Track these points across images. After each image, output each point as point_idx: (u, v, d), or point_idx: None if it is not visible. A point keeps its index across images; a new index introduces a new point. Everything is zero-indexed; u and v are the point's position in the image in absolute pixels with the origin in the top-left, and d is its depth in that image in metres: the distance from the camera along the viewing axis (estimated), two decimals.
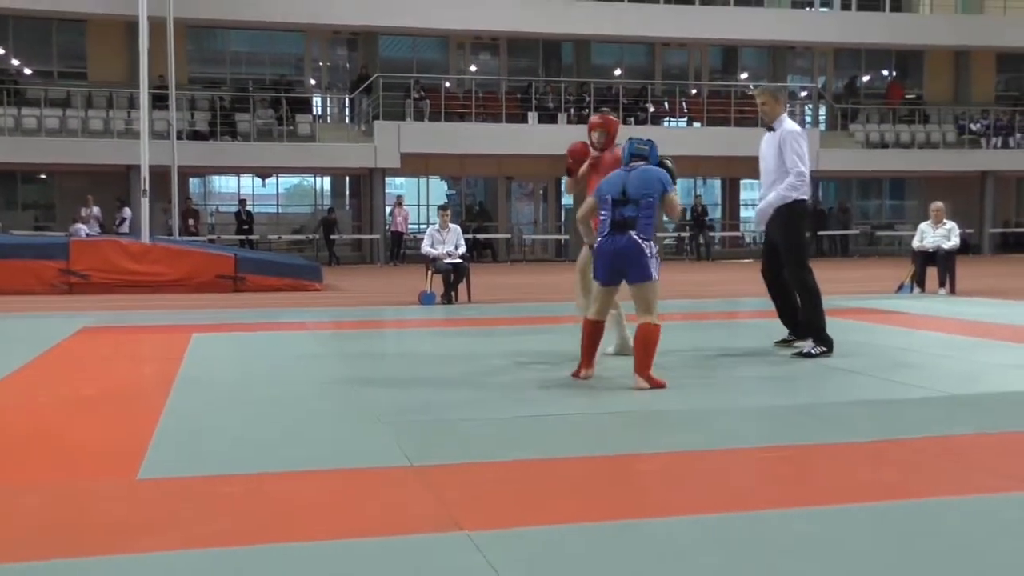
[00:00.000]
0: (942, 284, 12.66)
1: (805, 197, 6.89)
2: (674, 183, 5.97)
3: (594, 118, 6.86)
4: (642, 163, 5.89)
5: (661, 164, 5.95)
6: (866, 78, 30.54)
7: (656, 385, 5.55)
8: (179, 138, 20.25)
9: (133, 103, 21.96)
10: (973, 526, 3.07)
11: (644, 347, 5.61)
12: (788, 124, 6.87)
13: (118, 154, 21.74)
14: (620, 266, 5.72)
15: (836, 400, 5.16)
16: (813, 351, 6.71)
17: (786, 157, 6.73)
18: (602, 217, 5.88)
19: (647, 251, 5.68)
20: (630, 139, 6.12)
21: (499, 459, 3.94)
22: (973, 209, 27.59)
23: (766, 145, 6.92)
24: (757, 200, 7.06)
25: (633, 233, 5.66)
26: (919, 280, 12.86)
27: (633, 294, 5.75)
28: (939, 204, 13.33)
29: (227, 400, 5.32)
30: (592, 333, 5.89)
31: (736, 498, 3.40)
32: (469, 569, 2.68)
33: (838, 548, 2.85)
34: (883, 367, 6.27)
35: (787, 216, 6.85)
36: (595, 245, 6.01)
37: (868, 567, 2.68)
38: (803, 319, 6.94)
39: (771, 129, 6.91)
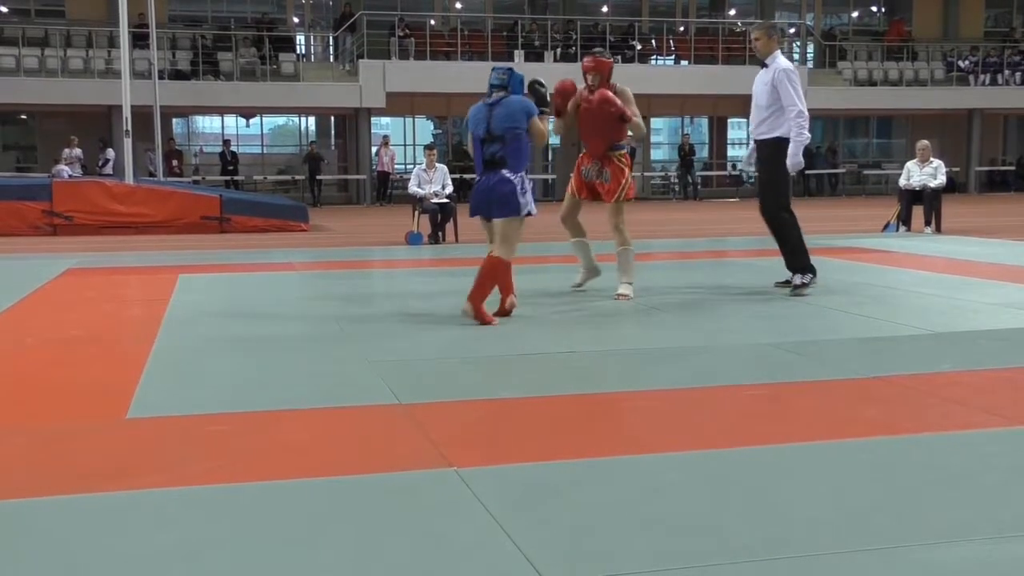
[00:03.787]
0: (928, 223, 12.69)
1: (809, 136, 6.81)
2: (547, 105, 6.07)
3: (587, 61, 6.71)
4: (502, 94, 5.86)
5: (532, 88, 5.99)
6: (855, 14, 30.26)
7: (484, 319, 5.64)
8: (161, 78, 19.97)
9: (113, 42, 21.60)
10: (955, 460, 3.11)
11: (485, 277, 5.74)
12: (781, 61, 6.80)
13: (99, 94, 21.44)
14: (488, 202, 5.83)
15: (821, 338, 5.19)
16: (805, 280, 6.79)
17: (783, 96, 6.65)
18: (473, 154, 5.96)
19: (518, 187, 5.79)
20: (493, 68, 6.07)
21: (487, 397, 3.97)
22: (960, 147, 27.55)
23: (758, 82, 6.87)
24: (746, 138, 6.99)
25: (505, 172, 5.75)
26: (905, 219, 12.89)
27: (496, 228, 5.87)
28: (925, 143, 13.31)
29: (215, 340, 5.32)
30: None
31: (721, 435, 3.43)
32: (459, 504, 2.70)
33: (822, 484, 2.88)
34: (869, 305, 6.30)
35: (777, 152, 6.78)
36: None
37: (851, 503, 2.72)
38: (787, 252, 6.91)
39: (764, 66, 6.86)
